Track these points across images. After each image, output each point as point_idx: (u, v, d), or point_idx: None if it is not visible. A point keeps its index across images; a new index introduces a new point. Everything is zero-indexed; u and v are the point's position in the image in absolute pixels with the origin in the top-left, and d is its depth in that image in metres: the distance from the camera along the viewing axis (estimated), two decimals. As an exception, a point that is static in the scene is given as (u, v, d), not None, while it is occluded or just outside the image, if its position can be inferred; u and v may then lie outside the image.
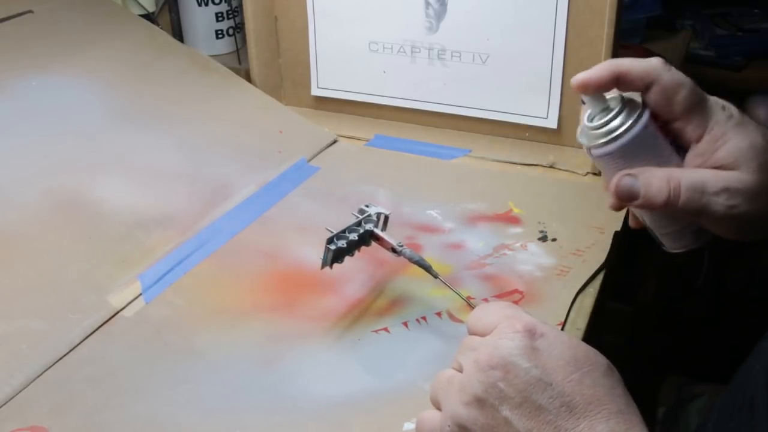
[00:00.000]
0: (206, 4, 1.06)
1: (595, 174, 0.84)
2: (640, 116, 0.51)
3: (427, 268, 0.61)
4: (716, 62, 1.44)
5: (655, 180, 0.52)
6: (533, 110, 0.86)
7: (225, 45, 1.09)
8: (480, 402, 0.43)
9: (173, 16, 1.08)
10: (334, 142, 0.93)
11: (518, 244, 0.72)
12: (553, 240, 0.72)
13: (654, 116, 0.52)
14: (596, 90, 0.52)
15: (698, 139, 0.52)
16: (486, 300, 0.65)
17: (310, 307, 0.64)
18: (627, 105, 0.52)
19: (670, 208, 0.52)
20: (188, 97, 0.90)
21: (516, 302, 0.64)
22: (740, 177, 0.51)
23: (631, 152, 0.52)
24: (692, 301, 1.28)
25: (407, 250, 0.61)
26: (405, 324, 0.62)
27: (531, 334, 0.44)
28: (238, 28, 1.08)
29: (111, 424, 0.53)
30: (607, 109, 0.52)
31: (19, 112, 0.77)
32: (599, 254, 0.69)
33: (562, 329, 0.61)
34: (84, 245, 0.68)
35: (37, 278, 0.64)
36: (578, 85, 0.52)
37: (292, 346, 0.60)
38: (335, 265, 0.61)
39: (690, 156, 0.53)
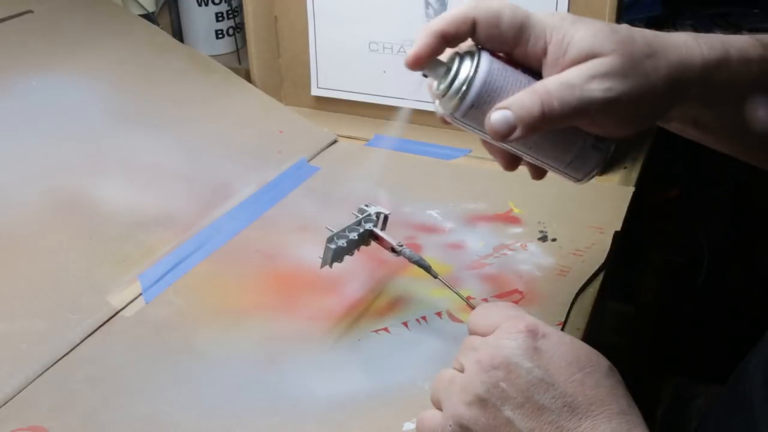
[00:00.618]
0: (206, 4, 1.06)
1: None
2: (479, 58, 0.50)
3: (427, 268, 0.61)
4: (716, 62, 1.44)
5: (523, 98, 0.48)
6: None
7: (225, 45, 1.09)
8: (482, 402, 0.43)
9: (173, 16, 1.08)
10: (334, 142, 0.93)
11: (518, 244, 0.72)
12: (553, 240, 0.72)
13: (495, 54, 0.50)
14: (429, 58, 0.50)
15: (545, 52, 0.50)
16: (486, 300, 0.65)
17: (310, 307, 0.64)
18: (464, 56, 0.50)
19: (550, 120, 0.48)
20: (188, 97, 0.90)
21: (516, 302, 0.64)
22: (602, 60, 0.48)
23: (488, 95, 0.49)
24: (692, 301, 1.27)
25: (407, 250, 0.61)
26: (405, 324, 0.62)
27: (533, 334, 0.44)
28: (238, 28, 1.08)
29: (111, 424, 0.53)
30: (448, 70, 0.51)
31: (19, 112, 0.77)
32: (599, 254, 0.69)
33: (562, 329, 0.61)
34: (84, 245, 0.68)
35: (37, 278, 0.64)
36: (411, 63, 0.50)
37: (292, 346, 0.60)
38: (335, 264, 0.61)
39: (546, 71, 0.50)
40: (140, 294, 0.66)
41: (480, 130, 0.52)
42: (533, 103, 0.48)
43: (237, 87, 0.95)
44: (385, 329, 0.62)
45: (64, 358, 0.59)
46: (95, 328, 0.62)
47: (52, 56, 0.85)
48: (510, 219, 0.76)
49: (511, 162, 0.57)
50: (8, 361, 0.57)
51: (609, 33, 0.49)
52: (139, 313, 0.64)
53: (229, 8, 1.07)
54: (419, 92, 0.57)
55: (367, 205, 0.64)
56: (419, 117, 0.94)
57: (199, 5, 1.06)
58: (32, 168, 0.73)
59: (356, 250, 0.63)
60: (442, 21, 0.49)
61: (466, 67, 0.50)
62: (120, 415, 0.54)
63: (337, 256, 0.61)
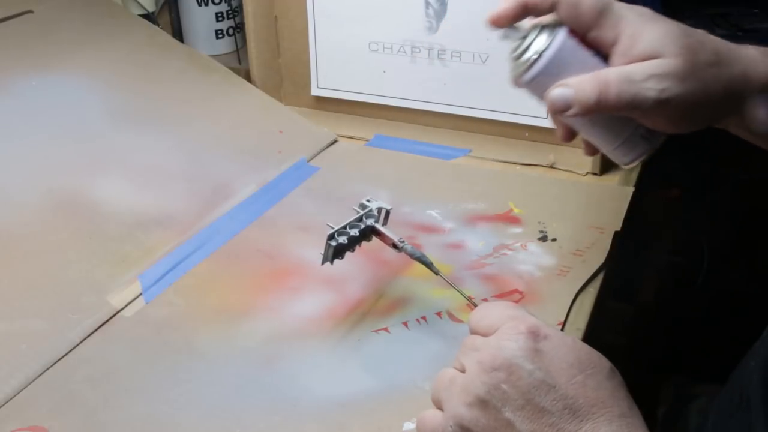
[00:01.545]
0: (206, 4, 1.06)
1: (595, 174, 0.84)
2: (556, 32, 0.53)
3: (428, 265, 0.61)
4: (716, 62, 1.44)
5: (585, 82, 0.52)
6: (533, 110, 0.86)
7: (225, 45, 1.09)
8: (483, 403, 0.43)
9: (173, 16, 1.08)
10: (334, 142, 0.93)
11: (518, 244, 0.72)
12: (553, 240, 0.72)
13: (572, 32, 0.54)
14: (509, 22, 0.54)
15: (616, 41, 0.53)
16: (486, 300, 0.65)
17: (310, 307, 0.64)
18: (543, 28, 0.54)
19: (603, 106, 0.52)
20: (188, 97, 0.90)
21: (516, 302, 0.64)
22: (664, 62, 0.51)
23: (557, 68, 0.53)
24: (692, 301, 1.27)
25: (408, 246, 0.61)
26: (405, 324, 0.62)
27: (534, 335, 0.44)
28: (238, 28, 1.08)
29: (111, 423, 0.53)
30: (525, 38, 0.54)
31: (19, 112, 0.77)
32: (599, 254, 0.69)
33: (562, 329, 0.61)
34: (84, 245, 0.68)
35: (37, 278, 0.64)
36: (491, 20, 0.54)
37: (292, 346, 0.60)
38: (336, 261, 0.61)
39: (613, 59, 0.53)
40: (140, 294, 0.66)
41: (542, 99, 0.55)
42: (592, 88, 0.51)
43: (237, 87, 0.95)
44: (385, 329, 0.62)
45: (64, 358, 0.59)
46: (95, 328, 0.62)
47: (52, 56, 0.85)
48: (510, 219, 0.76)
49: (568, 134, 0.59)
50: (8, 361, 0.57)
51: (679, 36, 0.52)
52: (139, 313, 0.64)
53: (229, 8, 1.07)
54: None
55: (368, 200, 0.63)
56: (419, 117, 0.95)
57: (199, 5, 1.06)
58: (32, 168, 0.73)
59: (357, 246, 0.63)
60: (536, 2, 0.53)
61: (541, 40, 0.54)
62: (120, 415, 0.54)
63: (337, 252, 0.61)
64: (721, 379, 0.60)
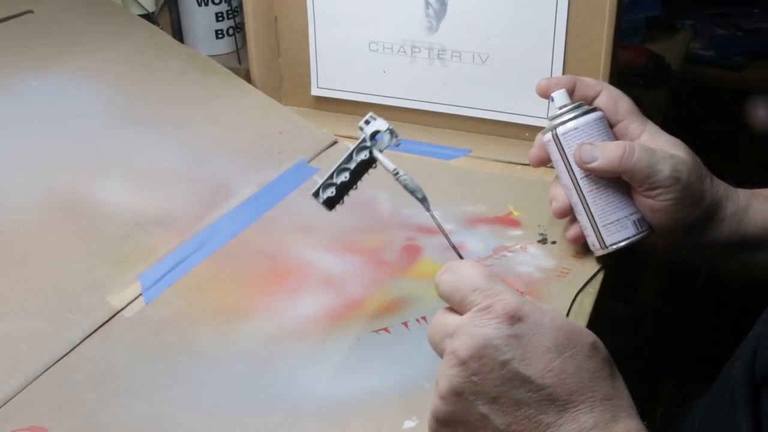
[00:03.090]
0: (206, 4, 1.06)
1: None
2: (596, 108, 0.66)
3: (421, 200, 0.58)
4: (716, 62, 1.44)
5: (611, 144, 0.63)
6: (533, 110, 0.86)
7: (225, 45, 1.09)
8: (456, 395, 0.42)
9: (173, 16, 1.08)
10: (334, 143, 0.93)
11: (518, 246, 0.72)
12: (553, 243, 0.72)
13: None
14: (557, 89, 0.66)
15: (639, 135, 0.66)
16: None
17: (310, 307, 0.64)
18: (585, 104, 0.66)
19: (624, 166, 0.61)
20: (188, 97, 0.90)
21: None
22: (680, 155, 0.63)
23: (589, 132, 0.64)
24: (692, 301, 1.27)
25: (405, 178, 0.58)
26: (405, 324, 0.62)
27: (510, 318, 0.42)
28: (238, 28, 1.08)
29: (111, 424, 0.53)
30: (570, 103, 0.66)
31: (19, 113, 0.77)
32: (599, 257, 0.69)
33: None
34: (84, 245, 0.68)
35: (37, 278, 0.64)
36: (544, 87, 0.67)
37: (292, 346, 0.60)
38: (339, 207, 0.60)
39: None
40: (140, 294, 0.66)
41: (562, 154, 0.65)
42: (617, 149, 0.62)
43: (237, 87, 0.95)
44: (385, 329, 0.62)
45: (64, 358, 0.59)
46: (95, 328, 0.62)
47: (52, 56, 0.85)
48: (510, 221, 0.76)
49: (539, 160, 0.69)
50: (8, 361, 0.57)
51: (688, 151, 0.65)
52: (139, 314, 0.64)
53: (229, 8, 1.07)
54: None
55: (367, 122, 0.60)
56: (419, 117, 0.95)
57: (199, 5, 1.06)
58: (32, 168, 0.73)
59: (359, 182, 0.60)
60: (581, 77, 0.67)
61: (585, 107, 0.65)
62: (120, 415, 0.54)
63: (334, 201, 0.59)
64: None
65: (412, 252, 0.71)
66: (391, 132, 0.60)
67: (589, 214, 0.65)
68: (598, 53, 0.81)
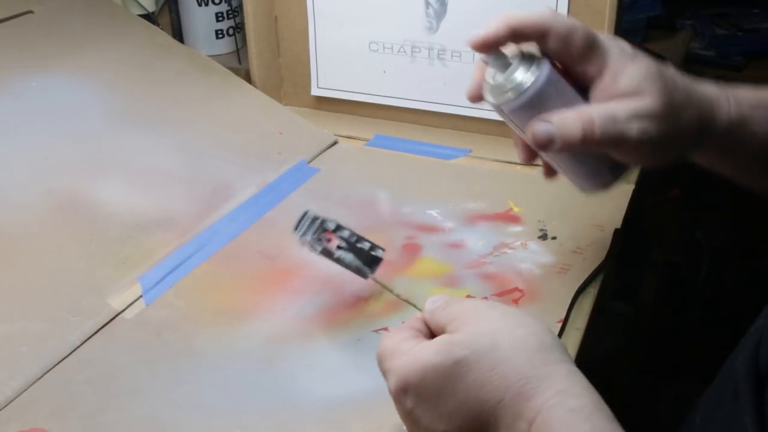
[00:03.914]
0: (206, 4, 1.06)
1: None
2: (541, 65, 0.53)
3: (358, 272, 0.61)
4: (716, 62, 1.44)
5: (569, 120, 0.53)
6: (533, 110, 0.86)
7: (225, 45, 1.09)
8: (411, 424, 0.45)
9: (173, 16, 1.08)
10: (334, 143, 0.93)
11: (518, 243, 0.72)
12: (553, 238, 0.72)
13: (554, 64, 0.54)
14: (495, 46, 0.53)
15: (599, 76, 0.54)
16: (486, 299, 0.65)
17: (311, 307, 0.64)
18: (527, 58, 0.53)
19: (587, 144, 0.53)
20: (188, 98, 0.90)
21: (516, 300, 0.64)
22: (645, 102, 0.53)
23: (539, 101, 0.53)
24: (692, 301, 1.28)
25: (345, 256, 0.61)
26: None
27: (401, 395, 0.45)
28: (238, 28, 1.08)
29: (112, 425, 0.53)
30: (508, 65, 0.54)
31: (19, 113, 0.77)
32: (599, 252, 0.69)
33: (562, 328, 0.61)
34: (84, 247, 0.68)
35: (37, 280, 0.64)
36: (476, 43, 0.53)
37: (292, 347, 0.60)
38: (336, 266, 0.61)
39: (594, 93, 0.54)
40: (141, 296, 0.66)
41: (519, 129, 0.56)
42: (576, 126, 0.52)
43: (237, 88, 0.95)
44: (385, 329, 0.62)
45: (65, 360, 0.59)
46: (96, 330, 0.62)
47: (52, 56, 0.85)
48: (510, 218, 0.76)
49: (530, 155, 0.60)
50: (9, 363, 0.57)
51: (658, 76, 0.54)
52: (139, 315, 0.64)
53: (229, 8, 1.07)
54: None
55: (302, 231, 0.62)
56: (419, 117, 0.95)
57: (199, 5, 1.06)
58: (32, 169, 0.73)
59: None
60: (519, 19, 0.53)
61: (528, 70, 0.53)
62: (121, 417, 0.54)
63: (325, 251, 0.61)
64: (721, 379, 0.60)
65: (412, 251, 0.71)
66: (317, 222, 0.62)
67: (560, 167, 0.60)
68: (598, 53, 0.81)
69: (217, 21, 1.07)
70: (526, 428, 0.41)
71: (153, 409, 0.54)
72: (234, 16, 1.08)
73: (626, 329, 1.14)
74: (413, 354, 0.45)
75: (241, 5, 1.01)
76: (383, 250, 0.62)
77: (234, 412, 0.54)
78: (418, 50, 0.90)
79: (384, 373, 0.46)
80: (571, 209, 0.76)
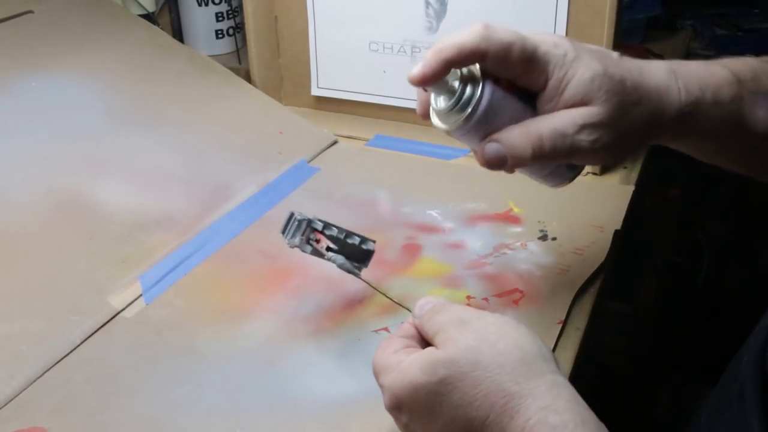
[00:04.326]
0: (206, 4, 1.06)
1: (595, 174, 0.84)
2: (483, 86, 0.52)
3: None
4: (716, 62, 1.44)
5: (517, 139, 0.52)
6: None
7: (225, 45, 1.09)
8: None
9: (173, 16, 1.08)
10: (334, 143, 0.93)
11: (518, 243, 0.72)
12: (553, 239, 0.72)
13: (495, 79, 0.53)
14: (434, 81, 0.52)
15: (543, 86, 0.53)
16: (486, 300, 0.65)
17: (311, 307, 0.64)
18: (468, 80, 0.53)
19: (538, 160, 0.53)
20: (188, 98, 0.90)
21: (516, 301, 0.64)
22: (593, 110, 0.52)
23: (486, 121, 0.53)
24: (692, 301, 1.28)
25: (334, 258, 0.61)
26: (405, 324, 0.62)
27: (395, 411, 0.46)
28: (238, 28, 1.08)
29: (111, 424, 0.53)
30: (450, 90, 0.53)
31: (19, 113, 0.77)
32: (599, 252, 0.69)
33: (562, 329, 0.61)
34: (84, 246, 0.68)
35: (37, 279, 0.64)
36: (415, 81, 0.52)
37: (292, 347, 0.60)
38: (335, 267, 0.61)
39: (540, 104, 0.53)
40: (140, 295, 0.66)
41: (471, 146, 0.55)
42: (525, 145, 0.52)
43: (237, 87, 0.95)
44: (385, 329, 0.62)
45: (65, 359, 0.59)
46: (96, 329, 0.62)
47: (52, 56, 0.85)
48: (510, 218, 0.76)
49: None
50: (9, 362, 0.57)
51: (603, 78, 0.52)
52: (139, 314, 0.64)
53: (229, 8, 1.07)
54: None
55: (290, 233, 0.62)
56: (419, 117, 0.94)
57: (199, 5, 1.06)
58: (32, 168, 0.73)
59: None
60: (452, 50, 0.51)
61: (470, 93, 0.52)
62: (120, 416, 0.54)
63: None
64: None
65: (412, 251, 0.71)
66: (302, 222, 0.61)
67: (523, 171, 0.59)
68: (598, 53, 0.81)
69: (217, 21, 1.07)
70: None
71: (153, 409, 0.54)
72: (234, 16, 1.08)
73: (626, 329, 1.14)
74: (402, 370, 0.45)
75: (241, 5, 1.01)
76: (374, 242, 0.62)
77: (234, 411, 0.54)
78: (418, 50, 0.90)
79: (380, 387, 0.47)
80: (571, 210, 0.76)
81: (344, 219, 0.62)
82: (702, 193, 1.27)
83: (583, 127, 0.52)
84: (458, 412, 0.43)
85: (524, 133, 0.52)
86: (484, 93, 0.52)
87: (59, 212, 0.70)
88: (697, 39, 1.48)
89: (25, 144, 0.74)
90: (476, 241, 0.73)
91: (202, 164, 0.81)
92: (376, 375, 0.47)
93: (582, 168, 0.59)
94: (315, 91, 0.98)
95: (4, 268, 0.64)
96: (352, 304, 0.65)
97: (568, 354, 0.59)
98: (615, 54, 0.55)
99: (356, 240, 0.61)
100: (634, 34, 1.29)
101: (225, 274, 0.69)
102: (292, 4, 0.95)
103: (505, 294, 0.65)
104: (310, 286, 0.67)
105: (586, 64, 0.52)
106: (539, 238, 0.72)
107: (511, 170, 0.55)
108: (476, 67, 0.53)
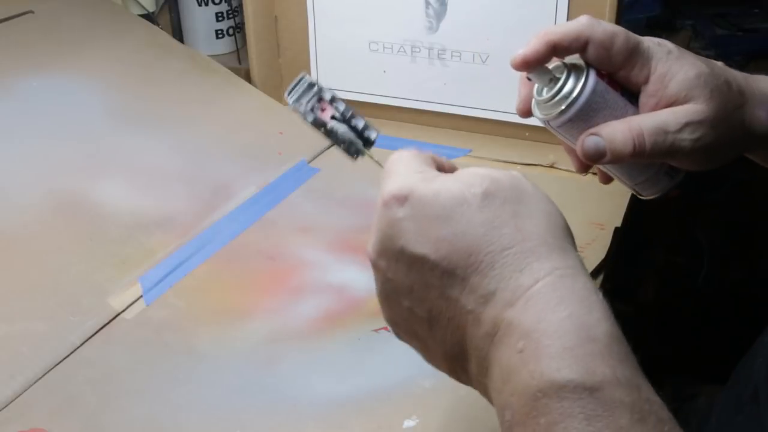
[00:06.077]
0: (206, 4, 1.06)
1: (595, 174, 0.84)
2: (587, 76, 0.52)
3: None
4: (716, 62, 1.44)
5: (618, 133, 0.51)
6: (533, 110, 0.86)
7: (225, 45, 1.09)
8: (384, 298, 0.41)
9: (173, 16, 1.08)
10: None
11: (518, 245, 0.72)
12: (554, 240, 0.72)
13: (599, 72, 0.52)
14: (537, 64, 0.52)
15: (646, 81, 0.52)
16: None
17: (310, 307, 0.64)
18: (572, 69, 0.52)
19: (638, 157, 0.51)
20: (188, 98, 0.90)
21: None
22: (696, 108, 0.51)
23: (588, 113, 0.52)
24: (692, 301, 1.27)
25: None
26: (405, 325, 0.62)
27: (396, 201, 0.40)
28: (238, 28, 1.08)
29: (112, 425, 0.53)
30: (554, 79, 0.53)
31: (19, 113, 0.77)
32: (600, 250, 0.69)
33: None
34: (84, 247, 0.68)
35: (37, 280, 0.64)
36: (517, 63, 0.51)
37: (292, 347, 0.60)
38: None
39: (643, 100, 0.53)
40: (141, 296, 0.66)
41: (569, 141, 0.54)
42: (626, 139, 0.51)
43: (237, 88, 0.95)
44: (385, 328, 0.62)
45: (65, 360, 0.59)
46: (96, 330, 0.62)
47: (52, 56, 0.85)
48: (510, 219, 0.76)
49: (583, 166, 0.58)
50: (9, 363, 0.57)
51: (709, 77, 0.51)
52: (139, 315, 0.64)
53: (229, 8, 1.07)
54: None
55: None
56: (419, 117, 0.95)
57: (199, 5, 1.06)
58: (32, 169, 0.73)
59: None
60: (557, 33, 0.51)
61: (573, 83, 0.52)
62: (121, 417, 0.54)
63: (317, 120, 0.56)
64: (721, 379, 0.60)
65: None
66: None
67: (616, 176, 0.59)
68: (598, 53, 0.81)
69: (217, 21, 1.07)
70: (530, 283, 0.37)
71: (153, 409, 0.54)
72: (234, 16, 1.08)
73: (626, 329, 1.14)
74: (433, 176, 0.41)
75: (241, 5, 1.01)
76: (377, 131, 0.56)
77: (234, 411, 0.54)
78: (418, 50, 0.90)
79: (383, 179, 0.43)
80: (571, 208, 0.76)
81: (344, 219, 0.62)
82: (702, 193, 1.27)
83: (687, 125, 0.51)
84: (477, 229, 0.38)
85: (626, 128, 0.51)
86: (588, 82, 0.51)
87: (59, 213, 0.70)
88: (697, 39, 1.48)
89: (25, 144, 0.75)
90: (476, 241, 0.72)
91: (202, 165, 0.81)
92: (388, 171, 0.43)
93: (680, 177, 0.57)
94: (315, 91, 0.98)
95: (5, 268, 0.64)
96: (352, 304, 0.65)
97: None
98: (720, 63, 0.54)
99: (360, 123, 0.56)
100: (634, 34, 1.29)
101: (225, 274, 0.69)
102: (292, 4, 0.95)
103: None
104: (310, 287, 0.67)
105: (691, 62, 0.52)
106: (539, 239, 0.72)
107: (609, 164, 0.53)
108: (580, 59, 0.52)
